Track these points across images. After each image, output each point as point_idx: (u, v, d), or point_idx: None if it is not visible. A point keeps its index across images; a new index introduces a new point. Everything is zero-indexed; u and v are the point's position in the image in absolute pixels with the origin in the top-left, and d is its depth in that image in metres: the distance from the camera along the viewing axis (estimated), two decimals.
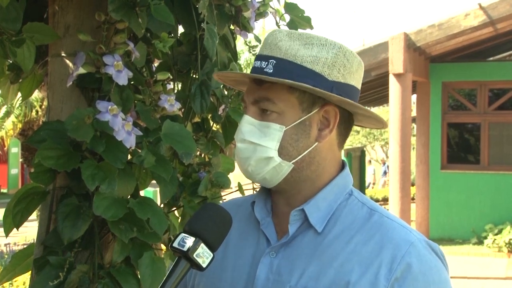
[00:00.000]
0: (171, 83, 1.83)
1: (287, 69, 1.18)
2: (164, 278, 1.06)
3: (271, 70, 1.19)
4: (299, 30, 1.50)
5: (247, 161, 1.21)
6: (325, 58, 1.19)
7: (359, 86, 1.26)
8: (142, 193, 1.76)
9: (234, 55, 2.00)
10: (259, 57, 1.23)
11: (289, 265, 1.20)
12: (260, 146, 1.20)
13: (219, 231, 1.12)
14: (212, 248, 1.09)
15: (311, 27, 2.04)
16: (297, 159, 1.21)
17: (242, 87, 1.36)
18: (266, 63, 1.20)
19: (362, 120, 1.30)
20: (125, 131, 1.53)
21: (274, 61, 1.19)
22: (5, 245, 10.12)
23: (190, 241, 1.07)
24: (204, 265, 1.07)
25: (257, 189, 1.86)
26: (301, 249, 1.20)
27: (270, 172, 1.20)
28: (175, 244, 1.07)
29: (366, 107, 1.22)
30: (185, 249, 1.06)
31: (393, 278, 1.13)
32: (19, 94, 1.99)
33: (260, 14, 1.96)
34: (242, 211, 1.34)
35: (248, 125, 1.21)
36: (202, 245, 1.07)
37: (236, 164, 2.02)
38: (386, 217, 1.21)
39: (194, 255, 1.06)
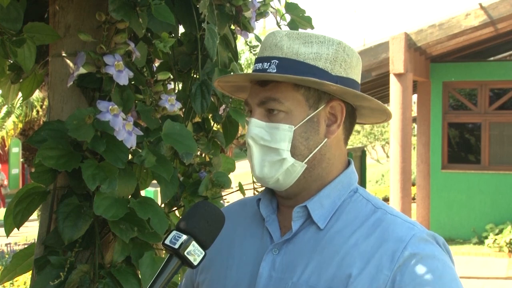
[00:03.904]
0: (172, 83, 1.83)
1: (291, 67, 1.18)
2: (156, 275, 1.08)
3: (275, 70, 1.19)
4: (298, 30, 1.50)
5: (261, 164, 1.21)
6: (326, 54, 1.20)
7: (359, 80, 1.27)
8: (142, 193, 1.76)
9: (235, 55, 2.00)
10: (259, 59, 1.23)
11: (291, 262, 1.20)
12: (272, 149, 1.19)
13: (211, 229, 1.13)
14: (203, 246, 1.10)
15: (312, 27, 2.04)
16: (309, 157, 1.21)
17: (241, 94, 1.36)
18: (269, 63, 1.20)
19: (366, 114, 1.31)
20: (125, 131, 1.53)
21: (277, 61, 1.19)
22: (6, 245, 10.14)
23: (181, 238, 1.08)
24: (195, 263, 1.08)
25: (258, 189, 1.87)
26: (303, 245, 1.21)
27: (284, 173, 1.20)
28: (167, 242, 1.09)
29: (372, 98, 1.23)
30: (176, 246, 1.07)
31: (396, 267, 1.12)
32: (20, 94, 1.99)
33: (261, 14, 1.96)
34: (248, 209, 1.34)
35: (256, 128, 1.20)
36: (194, 243, 1.08)
37: (236, 164, 2.02)
38: (389, 214, 1.22)
39: (185, 253, 1.07)
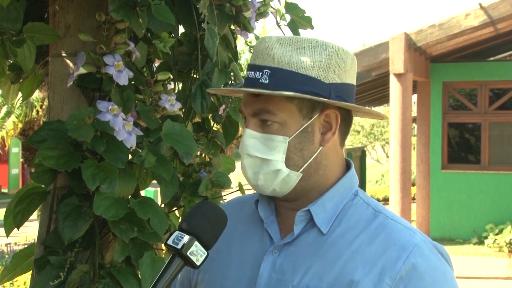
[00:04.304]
0: (172, 83, 1.83)
1: (284, 77, 1.17)
2: (158, 275, 1.08)
3: (267, 81, 1.17)
4: (290, 34, 1.49)
5: (255, 176, 1.21)
6: (319, 62, 1.18)
7: (354, 82, 1.26)
8: (142, 193, 1.76)
9: (235, 55, 2.00)
10: (252, 67, 1.21)
11: (292, 264, 1.20)
12: (267, 160, 1.19)
13: (214, 229, 1.13)
14: (206, 246, 1.10)
15: (312, 27, 2.04)
16: (304, 167, 1.20)
17: (238, 94, 1.36)
18: (261, 73, 1.18)
19: (361, 115, 1.32)
20: (125, 131, 1.53)
21: (269, 71, 1.18)
22: (6, 245, 10.13)
23: (184, 239, 1.08)
24: (198, 263, 1.08)
25: None
26: (304, 248, 1.21)
27: (280, 183, 1.20)
28: (170, 242, 1.09)
29: (366, 107, 1.23)
30: (179, 246, 1.07)
31: (398, 277, 1.13)
32: (20, 94, 1.99)
33: (261, 14, 1.96)
34: (247, 209, 1.34)
35: (251, 139, 1.20)
36: (196, 243, 1.08)
37: (236, 164, 2.02)
38: (390, 219, 1.22)
39: (188, 253, 1.07)
